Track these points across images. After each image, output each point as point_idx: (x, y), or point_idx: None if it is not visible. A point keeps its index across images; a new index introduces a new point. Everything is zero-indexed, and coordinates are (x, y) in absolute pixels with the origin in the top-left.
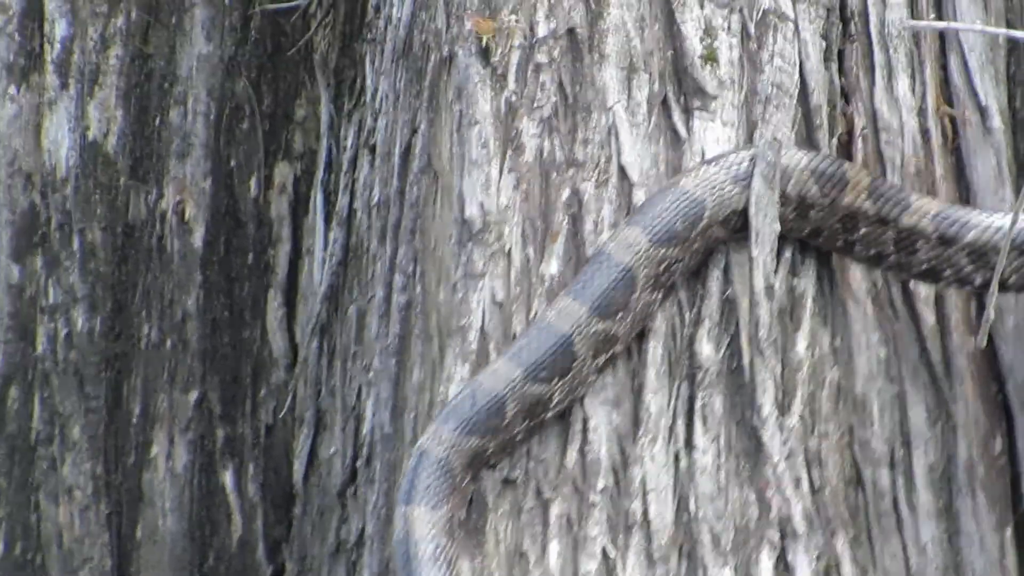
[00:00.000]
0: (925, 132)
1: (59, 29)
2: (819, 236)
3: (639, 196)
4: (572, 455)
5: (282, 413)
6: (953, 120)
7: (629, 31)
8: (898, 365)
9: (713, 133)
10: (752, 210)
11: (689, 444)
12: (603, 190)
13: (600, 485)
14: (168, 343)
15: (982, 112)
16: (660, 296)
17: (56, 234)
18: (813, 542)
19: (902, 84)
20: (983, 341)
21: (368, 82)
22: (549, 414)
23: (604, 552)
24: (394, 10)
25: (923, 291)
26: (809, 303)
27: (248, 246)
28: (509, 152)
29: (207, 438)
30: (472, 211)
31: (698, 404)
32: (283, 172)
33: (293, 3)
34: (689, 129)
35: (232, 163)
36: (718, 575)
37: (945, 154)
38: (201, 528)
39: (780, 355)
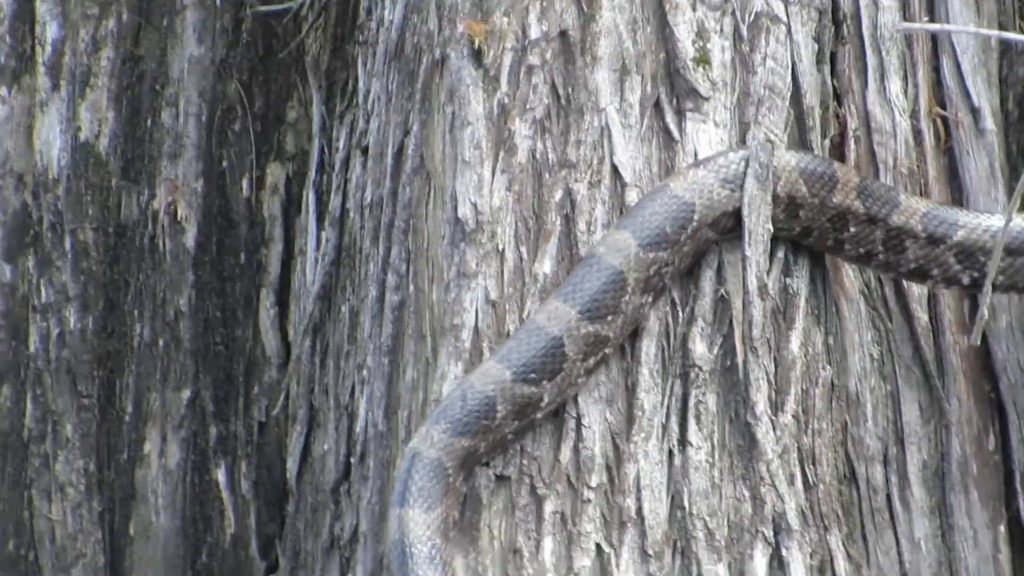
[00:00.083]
0: (918, 133)
1: (50, 31)
2: (809, 235)
3: (632, 197)
4: (566, 452)
5: (275, 411)
6: (946, 121)
7: (621, 33)
8: (891, 363)
9: (706, 134)
10: (745, 210)
11: (683, 441)
12: (596, 191)
13: (594, 482)
14: (160, 342)
15: (974, 114)
16: (650, 299)
17: (48, 234)
18: (807, 538)
19: (895, 86)
20: (977, 340)
21: (360, 84)
22: (539, 415)
23: (598, 548)
24: (386, 12)
25: (916, 290)
26: (802, 302)
27: (240, 246)
28: (502, 153)
29: (200, 436)
30: (465, 211)
31: (692, 402)
32: (275, 173)
33: (285, 5)
34: (682, 130)
35: (224, 164)
36: (712, 571)
37: (938, 155)
38: (194, 525)
39: (773, 353)
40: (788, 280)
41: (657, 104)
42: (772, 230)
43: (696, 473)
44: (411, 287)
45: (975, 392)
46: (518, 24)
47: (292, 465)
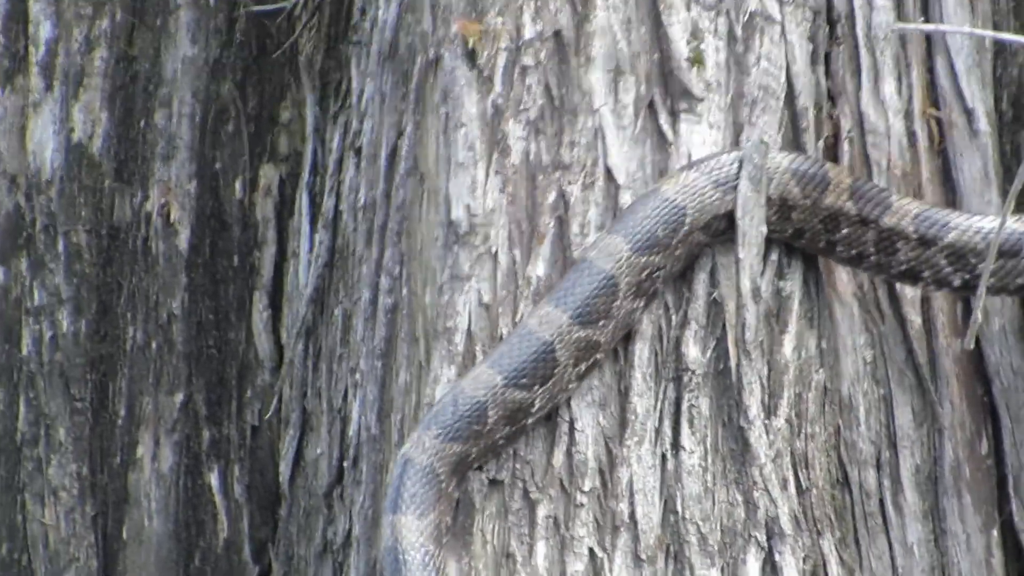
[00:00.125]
0: (911, 135)
1: (44, 31)
2: (802, 237)
3: (625, 198)
4: (559, 456)
5: (268, 415)
6: (939, 122)
7: (616, 34)
8: (884, 367)
9: (700, 136)
10: (739, 212)
11: (676, 445)
12: (589, 192)
13: (587, 486)
14: (153, 345)
15: (968, 114)
16: (642, 304)
17: (41, 236)
18: (800, 543)
19: (889, 86)
20: (971, 343)
21: (354, 84)
22: (530, 420)
23: (591, 553)
24: (380, 12)
25: (909, 293)
26: (796, 305)
27: (233, 248)
28: (495, 154)
29: (193, 439)
30: (458, 213)
31: (685, 406)
32: (268, 174)
33: (278, 5)
34: (676, 131)
35: (217, 165)
36: None
37: (931, 156)
38: (187, 529)
39: (767, 357)
40: (781, 283)
41: (651, 105)
42: (766, 232)
43: (689, 477)
44: (404, 290)
45: (968, 396)
46: (512, 24)
47: (285, 469)
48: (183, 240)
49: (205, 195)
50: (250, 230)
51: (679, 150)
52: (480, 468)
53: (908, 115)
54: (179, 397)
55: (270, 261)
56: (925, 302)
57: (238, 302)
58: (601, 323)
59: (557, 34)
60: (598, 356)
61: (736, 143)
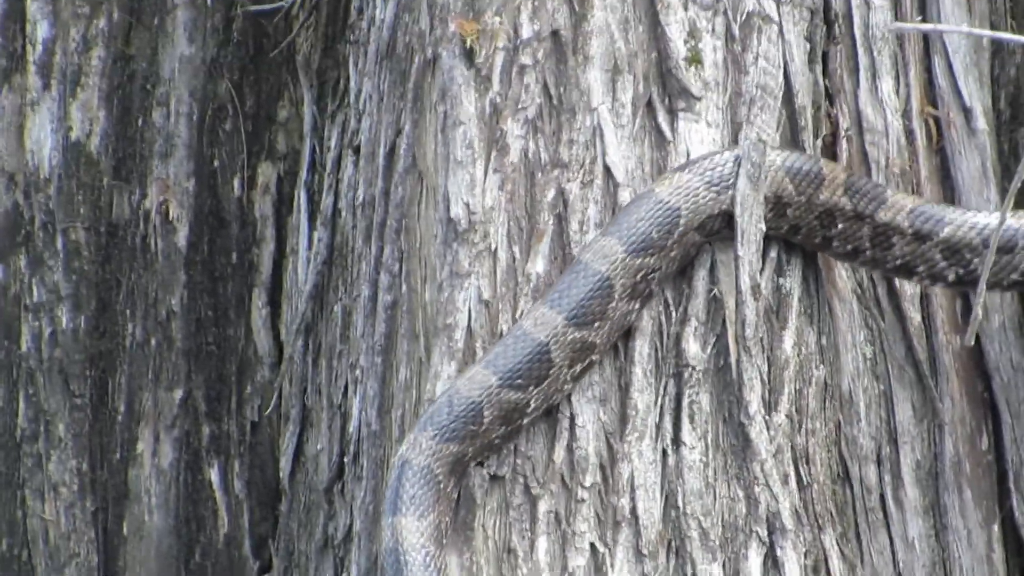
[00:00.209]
0: (910, 133)
1: (41, 30)
2: (797, 233)
3: (624, 196)
4: (560, 452)
5: (268, 411)
6: (937, 121)
7: (613, 33)
8: (884, 363)
9: (698, 134)
10: (738, 210)
11: (677, 441)
12: (588, 190)
13: (588, 481)
14: (153, 341)
15: (966, 113)
16: (637, 305)
17: (40, 233)
18: (801, 538)
19: (886, 86)
20: (971, 339)
21: (351, 83)
22: (525, 420)
23: (592, 548)
24: (377, 12)
25: (909, 290)
26: (795, 302)
27: (232, 245)
28: (494, 153)
29: (192, 435)
30: (457, 211)
31: (685, 401)
32: (266, 172)
33: (275, 5)
34: (674, 130)
35: (215, 163)
36: (706, 571)
37: (930, 155)
38: (187, 524)
39: (767, 353)
40: (781, 280)
41: (649, 104)
42: (765, 229)
43: (690, 473)
44: (404, 287)
45: (968, 392)
46: (510, 23)
47: (285, 465)
48: (182, 237)
49: (203, 193)
50: (248, 228)
51: (677, 148)
52: (481, 464)
53: (906, 114)
54: (179, 393)
55: (269, 258)
56: (925, 298)
57: (237, 299)
58: (596, 324)
59: (555, 33)
60: (593, 357)
61: (734, 142)
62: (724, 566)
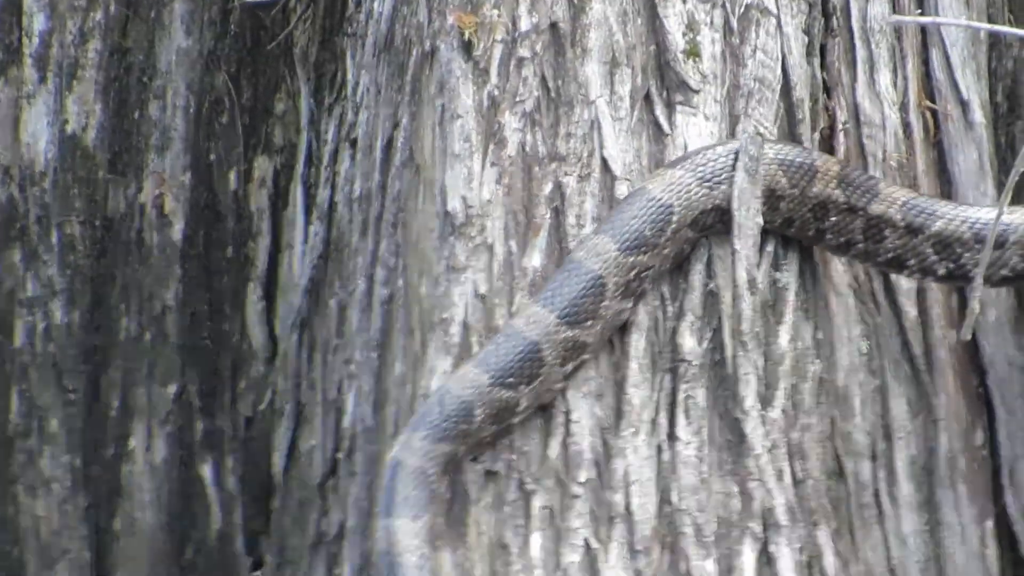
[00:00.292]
0: (907, 126)
1: (37, 23)
2: (791, 226)
3: (622, 190)
4: (555, 447)
5: (262, 406)
6: (935, 114)
7: (612, 25)
8: (880, 358)
9: (696, 127)
10: (735, 204)
11: (672, 436)
12: (586, 184)
13: (583, 477)
14: (147, 336)
15: (964, 106)
16: (631, 304)
17: (35, 227)
18: (795, 534)
19: (884, 78)
20: (968, 335)
21: (349, 76)
22: (516, 419)
23: (586, 544)
24: (375, 4)
25: (905, 284)
26: (792, 296)
27: (228, 239)
28: (491, 146)
29: (186, 431)
30: (454, 204)
31: (681, 397)
32: (263, 166)
33: None
34: (672, 123)
35: (212, 157)
36: (700, 567)
37: (927, 148)
38: (180, 521)
39: (763, 348)
40: (777, 274)
41: (647, 96)
42: (762, 223)
43: (685, 468)
44: (400, 281)
45: (963, 387)
46: (508, 16)
47: (279, 461)
48: (177, 231)
49: (199, 186)
50: (244, 221)
51: (675, 141)
52: (476, 459)
53: (903, 107)
54: (173, 388)
55: (264, 252)
56: (920, 293)
57: (232, 293)
58: (588, 323)
59: (553, 26)
60: (585, 356)
61: (732, 134)
62: (718, 562)
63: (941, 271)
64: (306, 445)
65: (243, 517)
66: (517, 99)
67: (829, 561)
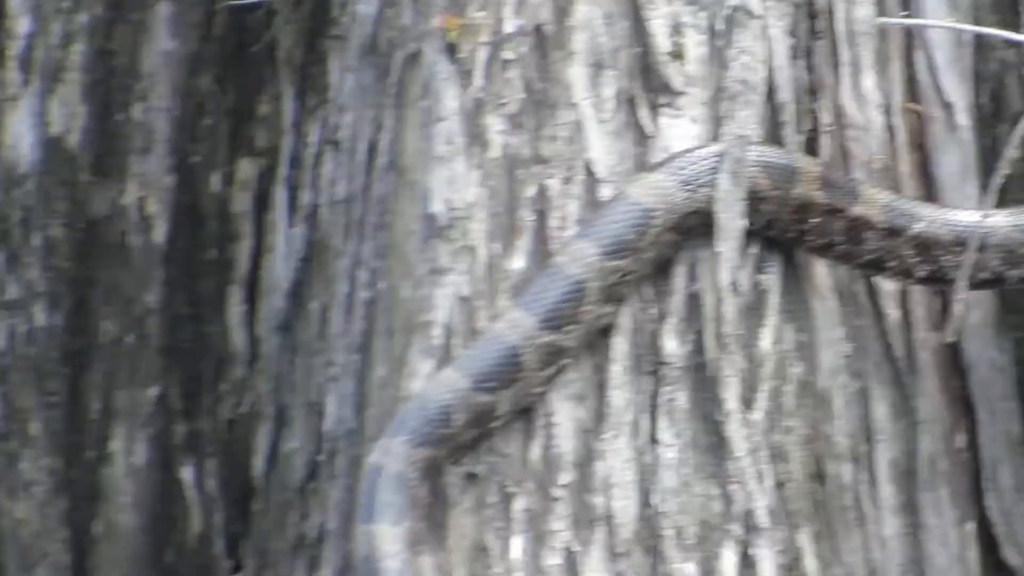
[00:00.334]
0: (891, 129)
1: (22, 25)
2: (772, 228)
3: (606, 192)
4: (535, 450)
5: (243, 409)
6: (919, 117)
7: (596, 28)
8: (862, 360)
9: (680, 130)
10: (718, 207)
11: (653, 439)
12: (569, 186)
13: (563, 480)
14: (129, 339)
15: (948, 109)
16: (612, 309)
17: (17, 230)
18: (776, 537)
19: (869, 81)
20: (952, 337)
21: (333, 79)
22: (496, 423)
23: (567, 547)
24: (360, 6)
25: (887, 287)
26: (774, 299)
27: (210, 242)
28: (475, 148)
29: (167, 434)
30: (437, 207)
31: (662, 399)
32: (246, 168)
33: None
34: (656, 126)
35: (195, 159)
36: (681, 570)
37: (911, 151)
38: (160, 523)
39: (745, 351)
40: (760, 277)
41: (631, 99)
42: (746, 226)
43: (666, 471)
44: (382, 284)
45: (945, 389)
46: (493, 18)
47: (259, 463)
48: (160, 234)
49: (182, 189)
50: (227, 224)
51: (659, 144)
52: (456, 462)
53: (888, 109)
54: (154, 391)
55: (246, 255)
56: (903, 296)
57: (214, 296)
58: (569, 328)
59: (538, 28)
60: (566, 361)
61: (717, 137)
62: (699, 565)
63: (921, 273)
64: (287, 448)
65: (223, 520)
66: (501, 101)
67: (810, 564)
